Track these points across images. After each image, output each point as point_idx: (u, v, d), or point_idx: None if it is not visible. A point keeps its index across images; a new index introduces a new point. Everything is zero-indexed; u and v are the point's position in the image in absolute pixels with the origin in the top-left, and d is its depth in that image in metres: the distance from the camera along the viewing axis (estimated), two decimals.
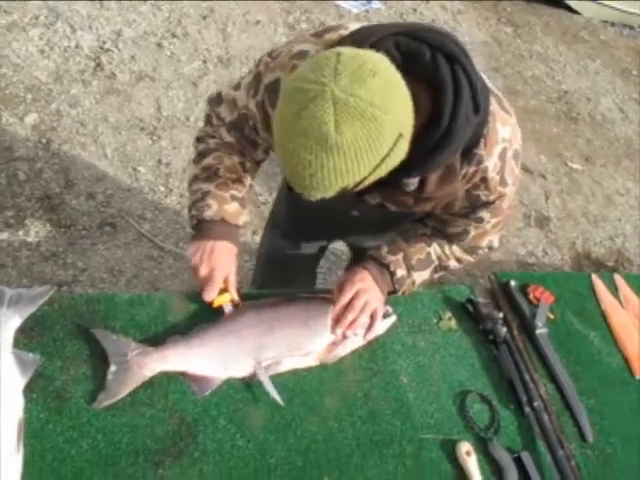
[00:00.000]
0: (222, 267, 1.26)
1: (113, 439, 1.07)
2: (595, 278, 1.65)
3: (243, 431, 1.14)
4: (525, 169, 3.41)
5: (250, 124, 1.24)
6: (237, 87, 1.26)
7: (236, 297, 1.28)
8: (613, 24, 4.99)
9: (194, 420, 1.13)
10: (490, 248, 1.35)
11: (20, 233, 2.32)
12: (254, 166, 1.36)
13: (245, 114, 1.23)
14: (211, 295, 1.24)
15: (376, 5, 4.17)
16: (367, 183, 0.95)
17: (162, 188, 2.64)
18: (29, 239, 2.31)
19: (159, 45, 3.23)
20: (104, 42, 3.12)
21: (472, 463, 1.18)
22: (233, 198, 1.29)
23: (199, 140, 1.34)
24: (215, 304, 1.25)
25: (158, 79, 3.06)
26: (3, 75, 2.78)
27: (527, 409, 1.29)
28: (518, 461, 1.21)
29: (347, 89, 0.84)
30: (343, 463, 1.14)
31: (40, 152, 2.58)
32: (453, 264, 1.36)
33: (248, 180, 1.35)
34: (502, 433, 1.26)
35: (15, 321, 1.13)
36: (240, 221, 1.31)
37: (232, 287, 1.28)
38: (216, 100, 1.30)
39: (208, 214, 1.26)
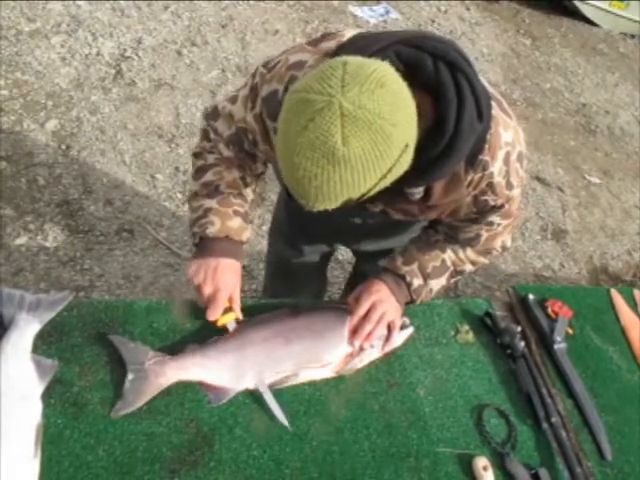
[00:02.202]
0: (226, 286, 1.24)
1: (129, 446, 1.07)
2: (614, 293, 1.64)
3: (259, 441, 1.13)
4: (542, 182, 3.39)
5: (249, 137, 1.21)
6: (234, 100, 1.22)
7: (240, 316, 1.26)
8: (632, 36, 4.97)
9: (210, 429, 1.13)
10: (503, 248, 1.34)
11: (39, 238, 2.34)
12: (254, 180, 1.35)
13: (243, 127, 1.21)
14: (215, 315, 1.22)
15: (394, 16, 4.18)
16: (371, 194, 0.93)
17: (179, 196, 2.65)
18: (47, 244, 2.33)
19: (179, 53, 3.26)
20: (124, 50, 3.15)
21: (489, 478, 1.17)
22: (236, 213, 1.27)
23: (196, 156, 1.31)
24: (219, 323, 1.24)
25: (177, 87, 3.09)
26: (25, 82, 2.82)
27: (545, 425, 1.28)
28: (535, 477, 1.19)
29: (355, 101, 0.82)
30: (358, 475, 1.14)
31: (60, 158, 2.61)
32: (468, 268, 1.36)
33: (250, 195, 1.33)
34: (519, 448, 1.25)
35: (35, 326, 1.14)
36: (244, 237, 1.29)
37: (236, 306, 1.26)
38: (212, 114, 1.27)
39: (211, 231, 1.24)
